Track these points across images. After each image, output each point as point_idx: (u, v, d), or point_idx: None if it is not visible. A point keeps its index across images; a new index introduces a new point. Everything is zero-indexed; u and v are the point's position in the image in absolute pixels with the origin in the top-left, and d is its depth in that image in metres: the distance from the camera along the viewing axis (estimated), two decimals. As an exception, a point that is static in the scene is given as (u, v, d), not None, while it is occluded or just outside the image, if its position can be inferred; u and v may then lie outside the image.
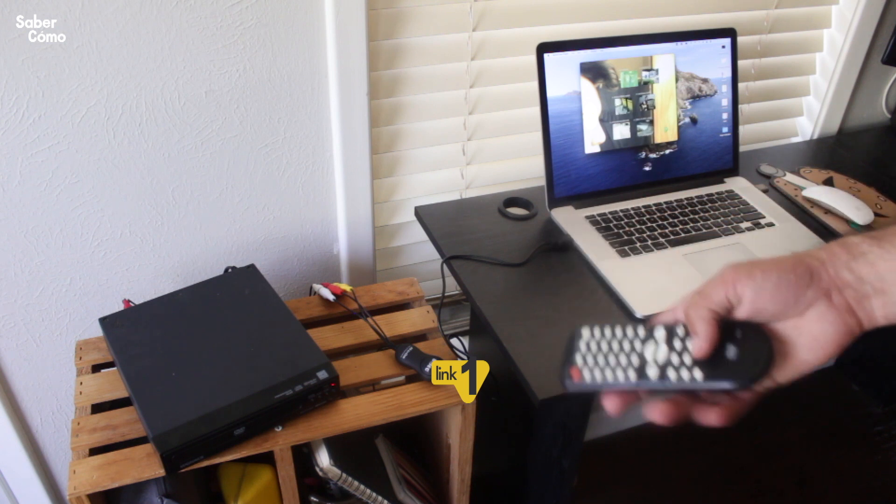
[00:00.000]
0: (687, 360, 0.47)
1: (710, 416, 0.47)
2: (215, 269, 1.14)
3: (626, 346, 0.48)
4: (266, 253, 1.17)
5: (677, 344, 0.47)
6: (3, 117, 0.91)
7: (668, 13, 1.24)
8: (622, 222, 1.10)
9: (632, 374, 0.47)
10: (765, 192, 1.22)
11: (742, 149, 1.29)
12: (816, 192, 1.20)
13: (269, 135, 1.06)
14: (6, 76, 0.88)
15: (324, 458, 0.91)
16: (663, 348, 0.47)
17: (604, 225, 1.09)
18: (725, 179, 1.23)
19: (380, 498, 1.00)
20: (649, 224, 1.10)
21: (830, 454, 1.79)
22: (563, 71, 1.08)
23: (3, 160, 0.94)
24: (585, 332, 0.51)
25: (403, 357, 0.96)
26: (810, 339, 0.46)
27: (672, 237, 1.08)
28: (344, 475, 0.93)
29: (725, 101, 1.21)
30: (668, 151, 1.18)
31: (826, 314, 0.46)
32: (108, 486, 0.81)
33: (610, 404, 0.48)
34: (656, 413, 0.47)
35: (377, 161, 1.17)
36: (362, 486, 0.97)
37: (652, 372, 0.47)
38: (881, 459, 1.77)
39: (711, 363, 0.46)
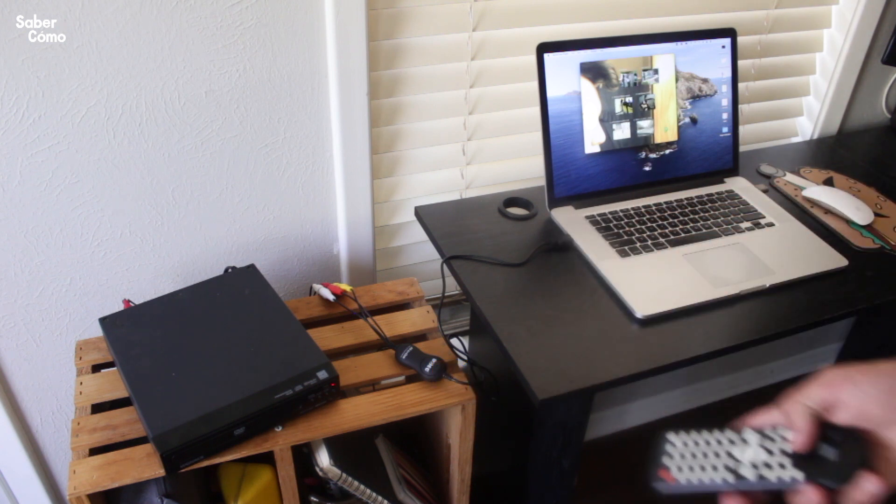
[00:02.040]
0: (784, 460, 0.47)
1: None
2: (215, 269, 1.14)
3: (717, 448, 0.50)
4: (266, 253, 1.17)
5: (771, 445, 0.48)
6: (3, 117, 0.91)
7: (668, 13, 1.24)
8: (622, 222, 1.10)
9: (728, 476, 0.48)
10: (765, 192, 1.22)
11: (742, 149, 1.29)
12: (816, 192, 1.20)
13: (269, 135, 1.06)
14: (6, 76, 0.88)
15: (324, 458, 0.91)
16: (757, 449, 0.49)
17: (604, 225, 1.09)
18: (725, 179, 1.23)
19: (380, 498, 1.00)
20: (649, 224, 1.10)
21: (830, 454, 1.78)
22: (563, 71, 1.08)
23: (3, 160, 0.94)
24: (672, 435, 0.53)
25: (403, 357, 0.96)
26: None
27: (672, 237, 1.08)
28: (344, 475, 0.93)
29: (725, 101, 1.21)
30: (668, 151, 1.18)
31: None
32: (108, 486, 0.81)
33: None
34: None
35: (377, 161, 1.17)
36: (362, 486, 0.97)
37: (748, 473, 0.48)
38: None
39: (810, 463, 0.47)
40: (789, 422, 0.49)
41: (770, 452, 0.48)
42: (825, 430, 0.48)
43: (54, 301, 1.08)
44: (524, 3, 1.13)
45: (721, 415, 1.87)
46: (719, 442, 0.50)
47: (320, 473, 0.92)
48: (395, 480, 1.07)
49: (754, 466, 0.48)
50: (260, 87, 1.02)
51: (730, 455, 0.49)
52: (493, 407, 1.15)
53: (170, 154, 1.02)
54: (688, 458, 0.50)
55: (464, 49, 1.13)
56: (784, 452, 0.48)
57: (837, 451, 0.47)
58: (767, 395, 2.03)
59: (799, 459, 0.47)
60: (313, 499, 1.04)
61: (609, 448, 1.77)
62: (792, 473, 0.47)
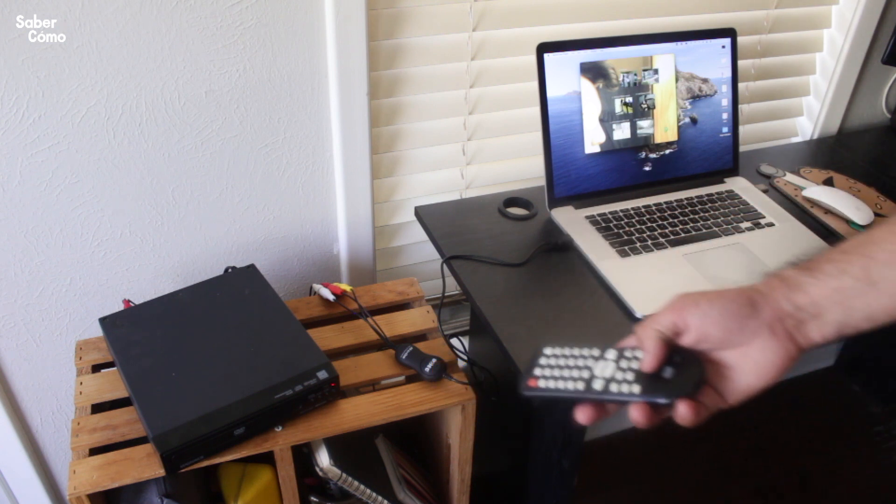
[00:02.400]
0: (629, 376, 0.52)
1: (637, 416, 0.52)
2: (215, 269, 1.14)
3: (581, 362, 0.55)
4: (266, 253, 1.17)
5: (624, 363, 0.53)
6: (3, 117, 0.91)
7: (668, 13, 1.24)
8: (622, 222, 1.10)
9: (580, 385, 0.53)
10: (765, 192, 1.22)
11: (742, 149, 1.29)
12: (816, 192, 1.20)
13: (269, 135, 1.06)
14: (6, 76, 0.88)
15: (324, 458, 0.91)
16: (610, 365, 0.54)
17: (604, 225, 1.09)
18: (725, 179, 1.23)
19: (380, 498, 1.00)
20: (649, 224, 1.10)
21: (830, 454, 1.79)
22: (563, 71, 1.08)
23: (3, 160, 0.94)
24: (548, 349, 0.58)
25: (403, 357, 0.96)
26: (755, 365, 0.51)
27: (672, 237, 1.08)
28: (344, 475, 0.93)
29: (725, 101, 1.21)
30: (668, 151, 1.18)
31: (769, 342, 0.51)
32: (108, 486, 0.81)
33: (581, 415, 0.54)
34: (581, 416, 0.54)
35: (377, 161, 1.17)
36: (362, 486, 0.97)
37: (597, 384, 0.53)
38: (881, 459, 1.77)
39: (649, 381, 0.52)
40: (641, 344, 0.53)
41: (622, 370, 0.53)
42: (671, 354, 0.53)
43: (54, 301, 1.08)
44: (524, 3, 1.13)
45: (721, 414, 1.87)
46: (584, 357, 0.55)
47: (320, 473, 0.92)
48: (395, 480, 1.07)
49: (605, 380, 0.53)
50: (260, 87, 1.02)
51: (589, 369, 0.54)
52: (493, 407, 1.15)
53: (170, 154, 1.02)
54: (555, 370, 0.55)
55: (464, 49, 1.13)
56: (633, 370, 0.52)
57: (674, 371, 0.51)
58: (767, 395, 2.03)
59: (642, 377, 0.52)
60: (313, 499, 1.04)
61: (609, 448, 1.77)
62: (631, 389, 0.51)
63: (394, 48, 1.09)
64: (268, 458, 0.89)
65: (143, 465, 0.82)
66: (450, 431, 1.01)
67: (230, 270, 1.05)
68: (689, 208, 1.14)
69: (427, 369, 0.94)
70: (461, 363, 1.02)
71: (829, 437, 1.83)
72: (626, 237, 1.07)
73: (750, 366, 0.52)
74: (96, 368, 0.98)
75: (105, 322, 0.94)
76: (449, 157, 1.22)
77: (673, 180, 1.19)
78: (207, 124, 1.02)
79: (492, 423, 1.19)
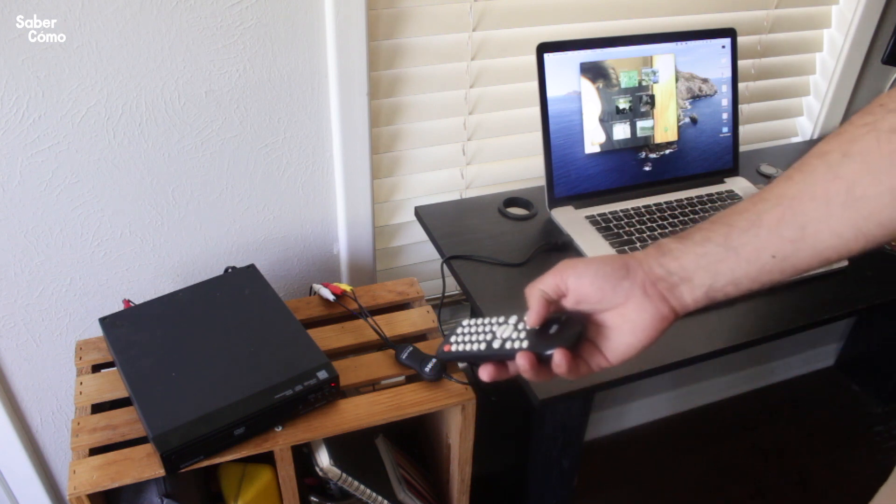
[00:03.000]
0: (522, 335, 0.58)
1: (523, 367, 0.56)
2: (215, 269, 1.14)
3: (487, 328, 0.61)
4: (266, 253, 1.17)
5: (521, 325, 0.59)
6: (3, 117, 0.91)
7: (668, 13, 1.24)
8: (622, 222, 1.10)
9: (483, 346, 0.59)
10: (765, 192, 1.21)
11: (742, 149, 1.29)
12: (816, 192, 1.20)
13: (269, 135, 1.06)
14: (6, 76, 0.88)
15: (324, 458, 0.91)
16: (509, 328, 0.59)
17: (604, 225, 1.09)
18: (725, 179, 1.23)
19: (380, 498, 1.00)
20: (649, 224, 1.10)
21: (830, 454, 1.79)
22: (563, 71, 1.08)
23: (3, 160, 0.94)
24: (466, 321, 0.64)
25: (403, 357, 0.96)
26: (631, 325, 0.55)
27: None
28: (344, 475, 0.93)
29: (725, 101, 1.21)
30: (668, 151, 1.18)
31: (643, 303, 0.54)
32: (108, 486, 0.81)
33: (483, 373, 0.59)
34: (483, 373, 0.58)
35: (377, 161, 1.17)
36: (362, 486, 0.97)
37: (496, 344, 0.59)
38: (881, 459, 1.77)
39: (536, 337, 0.57)
40: (528, 303, 0.58)
41: (518, 331, 0.58)
42: (557, 314, 0.58)
43: (54, 301, 1.08)
44: (524, 3, 1.13)
45: (721, 414, 1.88)
46: (491, 324, 0.61)
47: (320, 473, 0.92)
48: (395, 480, 1.07)
49: (502, 340, 0.58)
50: (260, 87, 1.02)
51: (493, 333, 0.60)
52: (493, 407, 1.15)
53: (170, 154, 1.02)
54: (466, 335, 0.62)
55: (464, 49, 1.13)
56: (526, 331, 0.58)
57: (558, 327, 0.56)
58: (767, 395, 2.02)
59: (531, 335, 0.57)
60: (313, 499, 1.04)
61: (609, 448, 1.77)
62: (521, 344, 0.57)
63: (394, 48, 1.09)
64: (268, 458, 0.89)
65: (143, 465, 0.82)
66: (450, 431, 1.01)
67: (230, 270, 1.05)
68: (689, 208, 1.14)
69: (427, 369, 0.94)
70: (461, 363, 1.02)
71: (829, 437, 1.83)
72: (626, 237, 1.07)
73: (627, 325, 0.55)
74: (96, 368, 0.98)
75: (105, 322, 0.94)
76: (449, 157, 1.22)
77: (673, 180, 1.19)
78: (207, 124, 1.02)
79: (492, 423, 1.19)
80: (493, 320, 0.62)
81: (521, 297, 0.97)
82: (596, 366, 0.58)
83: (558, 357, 0.54)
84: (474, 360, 0.60)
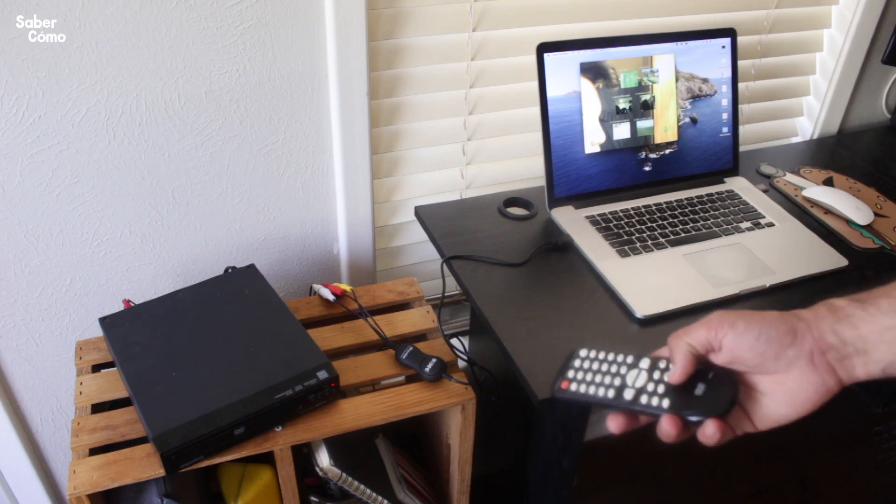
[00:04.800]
0: (661, 389, 0.52)
1: (666, 430, 0.51)
2: (215, 269, 1.14)
3: (614, 369, 0.55)
4: (266, 253, 1.17)
5: (656, 374, 0.52)
6: (3, 117, 0.91)
7: (668, 13, 1.24)
8: (622, 222, 1.10)
9: (611, 393, 0.53)
10: (765, 192, 1.22)
11: (742, 149, 1.29)
12: (816, 192, 1.20)
13: (269, 135, 1.06)
14: (6, 76, 0.88)
15: (324, 458, 0.91)
16: (643, 375, 0.53)
17: (604, 225, 1.09)
18: (725, 179, 1.23)
19: (380, 498, 1.00)
20: (649, 224, 1.10)
21: (830, 454, 1.79)
22: (563, 71, 1.08)
23: (3, 160, 0.94)
24: (583, 351, 0.57)
25: (403, 357, 0.96)
26: (790, 395, 0.49)
27: (672, 237, 1.08)
28: (344, 475, 0.93)
29: (725, 101, 1.21)
30: (668, 151, 1.18)
31: (807, 373, 0.48)
32: (108, 486, 0.81)
33: (613, 423, 0.54)
34: (613, 424, 0.53)
35: (377, 161, 1.17)
36: (362, 486, 0.97)
37: (628, 394, 0.52)
38: (881, 459, 1.77)
39: (679, 395, 0.51)
40: (671, 356, 0.52)
41: (654, 381, 0.52)
42: (704, 368, 0.51)
43: (54, 301, 1.08)
44: (524, 3, 1.13)
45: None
46: (618, 364, 0.55)
47: (320, 473, 0.92)
48: (395, 480, 1.07)
49: (636, 390, 0.52)
50: (260, 87, 1.02)
51: (621, 377, 0.54)
52: (493, 407, 1.15)
53: (170, 154, 1.02)
54: (587, 373, 0.55)
55: (464, 49, 1.13)
56: (664, 383, 0.51)
57: (707, 388, 0.50)
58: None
59: (672, 391, 0.51)
60: (313, 499, 1.04)
61: (609, 448, 1.77)
62: (662, 402, 0.51)
63: (394, 48, 1.09)
64: (268, 458, 0.89)
65: (143, 465, 0.82)
66: (450, 431, 1.01)
67: (230, 270, 1.05)
68: (689, 208, 1.14)
69: (427, 369, 0.94)
70: (461, 363, 1.02)
71: (829, 437, 1.83)
72: (626, 237, 1.07)
73: (784, 395, 0.49)
74: (96, 368, 0.98)
75: (105, 322, 0.94)
76: (449, 157, 1.22)
77: (673, 180, 1.19)
78: (207, 124, 1.02)
79: (492, 423, 1.19)
80: (621, 359, 0.55)
81: (522, 298, 0.98)
82: (740, 430, 0.52)
83: (711, 429, 0.48)
84: (600, 406, 0.54)
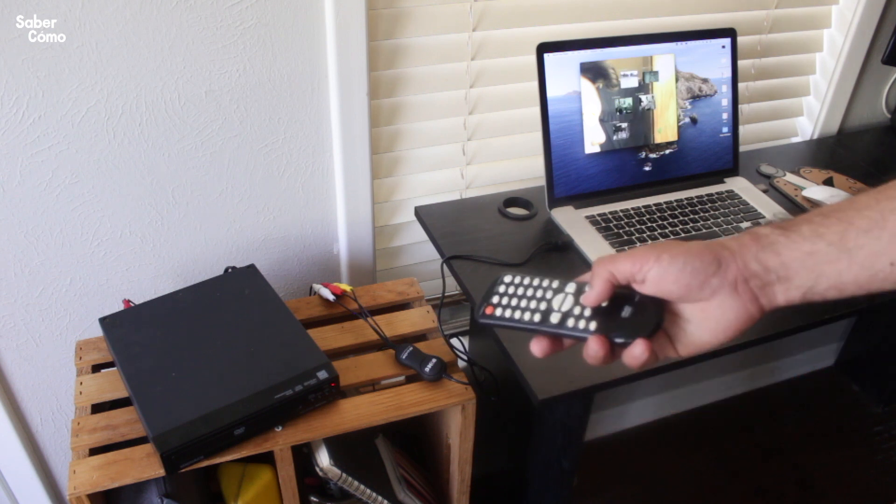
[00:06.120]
0: (587, 312, 0.51)
1: (593, 352, 0.50)
2: (215, 269, 1.14)
3: (539, 293, 0.54)
4: (266, 253, 1.17)
5: (583, 299, 0.52)
6: (3, 117, 0.91)
7: (668, 13, 1.24)
8: (622, 222, 1.10)
9: (537, 317, 0.52)
10: (765, 192, 1.22)
11: (742, 149, 1.29)
12: (816, 192, 1.20)
13: (269, 135, 1.06)
14: (6, 76, 0.88)
15: (324, 458, 0.91)
16: (570, 300, 0.53)
17: (604, 225, 1.09)
18: (725, 179, 1.23)
19: (380, 498, 1.00)
20: (649, 224, 1.10)
21: (830, 454, 1.79)
22: (563, 71, 1.08)
23: (3, 160, 0.94)
24: (507, 277, 0.56)
25: (403, 357, 0.96)
26: (713, 322, 0.50)
27: (672, 237, 1.08)
28: (344, 475, 0.93)
29: (725, 101, 1.21)
30: (668, 151, 1.18)
31: (729, 302, 0.49)
32: (108, 486, 0.81)
33: (535, 347, 0.53)
34: (535, 347, 0.53)
35: (377, 161, 1.17)
36: (362, 486, 0.97)
37: (554, 318, 0.52)
38: (881, 459, 1.77)
39: (606, 319, 0.50)
40: (591, 281, 0.52)
41: (580, 305, 0.52)
42: (630, 293, 0.51)
43: (54, 301, 1.08)
44: (524, 3, 1.13)
45: (721, 414, 1.88)
46: (543, 289, 0.54)
47: (320, 473, 0.92)
48: (395, 480, 1.07)
49: (562, 314, 0.52)
50: (260, 87, 1.02)
51: (547, 301, 0.53)
52: (493, 407, 1.15)
53: (170, 154, 1.02)
54: (513, 299, 0.54)
55: (464, 49, 1.13)
56: (591, 310, 0.51)
57: (633, 310, 0.50)
58: (767, 395, 2.02)
59: (599, 314, 0.51)
60: (313, 499, 1.04)
61: (609, 448, 1.77)
62: (588, 325, 0.50)
63: (394, 48, 1.09)
64: (268, 458, 0.89)
65: (143, 465, 0.82)
66: (450, 431, 1.01)
67: (230, 270, 1.05)
68: (689, 208, 1.14)
69: (427, 369, 0.94)
70: (461, 363, 1.02)
71: (829, 437, 1.83)
72: (626, 237, 1.07)
73: (707, 322, 0.50)
74: (96, 368, 0.98)
75: (105, 322, 0.94)
76: (449, 157, 1.22)
77: (673, 180, 1.19)
78: (207, 124, 1.02)
79: (492, 423, 1.19)
80: (546, 283, 0.55)
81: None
82: (663, 356, 0.52)
83: (639, 349, 0.49)
84: (524, 330, 0.53)
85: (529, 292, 0.55)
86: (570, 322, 0.51)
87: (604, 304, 0.51)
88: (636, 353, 0.49)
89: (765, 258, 0.48)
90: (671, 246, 0.50)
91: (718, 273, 0.48)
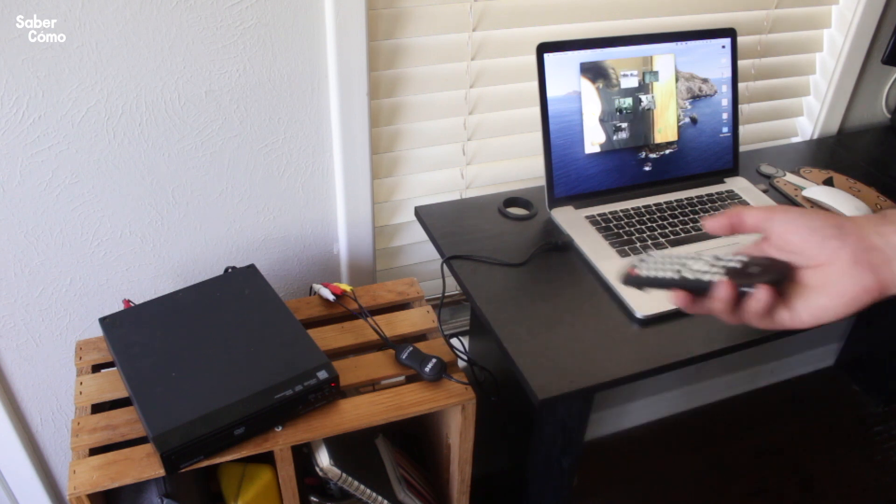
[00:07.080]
0: (720, 270, 0.55)
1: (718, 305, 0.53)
2: (215, 269, 1.14)
3: (678, 261, 0.59)
4: (266, 253, 1.17)
5: (717, 262, 0.56)
6: (3, 117, 0.91)
7: (668, 13, 1.24)
8: (622, 222, 1.10)
9: (675, 276, 0.57)
10: (765, 192, 1.22)
11: (742, 149, 1.29)
12: (816, 192, 1.20)
13: (269, 135, 1.06)
14: (6, 76, 0.88)
15: (324, 458, 0.91)
16: (703, 263, 0.57)
17: (604, 225, 1.09)
18: (725, 179, 1.23)
19: (380, 498, 1.00)
20: (649, 224, 1.10)
21: (830, 454, 1.79)
22: (563, 71, 1.08)
23: (3, 160, 0.94)
24: (652, 251, 0.65)
25: (403, 357, 0.96)
26: (834, 289, 0.51)
27: (672, 237, 1.08)
28: (344, 475, 0.93)
29: (725, 101, 1.21)
30: (668, 151, 1.18)
31: (849, 269, 0.50)
32: (108, 486, 0.81)
33: (677, 299, 0.56)
34: (677, 299, 0.56)
35: (377, 161, 1.17)
36: (362, 486, 0.97)
37: (689, 275, 0.56)
38: (881, 459, 1.77)
39: (734, 273, 0.54)
40: (721, 215, 0.56)
41: (714, 266, 0.56)
42: (757, 257, 0.55)
43: (54, 301, 1.08)
44: (524, 3, 1.13)
45: (721, 414, 1.88)
46: (681, 257, 0.59)
47: (320, 473, 0.92)
48: (395, 480, 1.07)
49: (697, 272, 0.56)
50: (260, 87, 1.02)
51: (685, 265, 0.58)
52: (493, 407, 1.15)
53: (170, 154, 1.02)
54: (656, 264, 0.60)
55: (464, 49, 1.13)
56: (724, 266, 0.55)
57: (760, 269, 0.53)
58: (767, 395, 2.02)
59: (730, 272, 0.54)
60: (313, 499, 1.04)
61: (609, 448, 1.77)
62: (719, 276, 0.54)
63: (394, 48, 1.09)
64: (268, 458, 0.89)
65: (143, 465, 0.82)
66: (450, 431, 1.01)
67: (230, 270, 1.05)
68: (689, 208, 1.14)
69: (427, 369, 0.94)
70: (461, 363, 1.02)
71: (829, 437, 1.83)
72: (626, 237, 1.07)
73: (826, 288, 0.51)
74: (96, 368, 0.98)
75: (105, 322, 0.94)
76: (449, 157, 1.22)
77: (673, 180, 1.19)
78: (207, 124, 1.02)
79: (492, 423, 1.19)
80: (684, 254, 0.59)
81: (522, 298, 0.98)
82: (779, 323, 0.54)
83: (762, 294, 0.51)
84: (665, 286, 0.58)
85: (669, 261, 0.59)
86: (706, 277, 0.55)
87: (735, 265, 0.54)
88: (759, 296, 0.51)
89: (886, 232, 0.50)
90: (803, 209, 0.53)
91: (839, 237, 0.50)
